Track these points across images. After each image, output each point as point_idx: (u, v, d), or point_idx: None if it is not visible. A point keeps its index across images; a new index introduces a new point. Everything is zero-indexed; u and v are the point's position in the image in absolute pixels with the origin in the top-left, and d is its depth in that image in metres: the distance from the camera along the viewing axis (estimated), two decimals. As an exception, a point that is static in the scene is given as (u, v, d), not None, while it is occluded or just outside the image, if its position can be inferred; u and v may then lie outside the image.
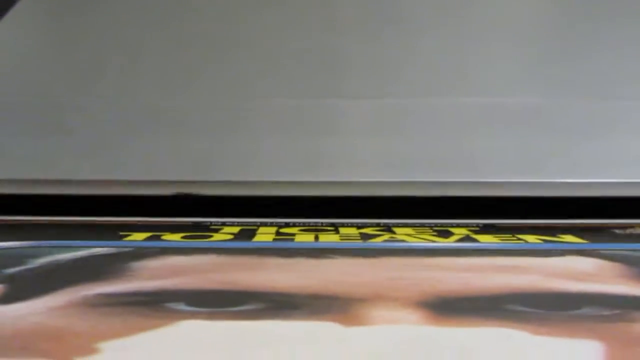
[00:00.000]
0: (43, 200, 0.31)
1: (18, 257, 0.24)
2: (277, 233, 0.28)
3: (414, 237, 0.27)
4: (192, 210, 0.31)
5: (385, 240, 0.27)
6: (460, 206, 0.31)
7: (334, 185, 0.31)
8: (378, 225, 0.30)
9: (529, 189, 0.30)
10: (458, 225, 0.30)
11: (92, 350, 0.17)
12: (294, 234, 0.28)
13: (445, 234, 0.28)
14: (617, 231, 0.29)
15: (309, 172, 0.31)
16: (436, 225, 0.30)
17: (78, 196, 0.31)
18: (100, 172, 0.31)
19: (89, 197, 0.31)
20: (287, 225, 0.30)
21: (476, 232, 0.28)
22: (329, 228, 0.30)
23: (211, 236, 0.28)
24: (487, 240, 0.27)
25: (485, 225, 0.30)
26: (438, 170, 0.31)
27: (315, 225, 0.30)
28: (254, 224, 0.30)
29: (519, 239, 0.27)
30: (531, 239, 0.27)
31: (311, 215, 0.32)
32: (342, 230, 0.29)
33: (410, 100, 0.35)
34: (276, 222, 0.31)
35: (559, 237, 0.27)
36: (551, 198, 0.31)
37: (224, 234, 0.28)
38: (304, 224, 0.31)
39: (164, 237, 0.27)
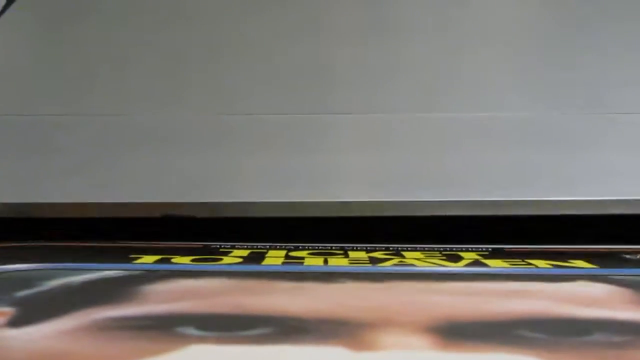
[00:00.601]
0: (24, 224, 0.31)
1: (28, 280, 0.24)
2: (287, 256, 0.28)
3: (423, 261, 0.27)
4: (180, 231, 0.31)
5: (395, 265, 0.27)
6: (456, 226, 0.31)
7: (324, 206, 0.31)
8: (387, 249, 0.30)
9: (528, 208, 0.30)
10: (467, 250, 0.30)
11: (102, 374, 0.17)
12: (303, 258, 0.28)
13: (454, 258, 0.28)
14: (628, 256, 0.29)
15: (296, 191, 0.31)
16: (445, 249, 0.30)
17: (62, 219, 0.31)
18: (83, 195, 0.31)
19: (73, 220, 0.31)
20: (296, 248, 0.30)
21: (485, 257, 0.28)
22: (338, 252, 0.30)
23: (221, 259, 0.28)
24: (496, 265, 0.27)
25: (494, 250, 0.30)
26: (432, 188, 0.31)
27: (325, 249, 0.30)
28: (264, 247, 0.30)
29: (529, 264, 0.27)
30: (541, 264, 0.27)
31: (321, 237, 0.32)
32: (352, 254, 0.29)
33: (401, 115, 0.35)
34: (285, 246, 0.31)
35: (569, 262, 0.27)
36: (552, 217, 0.30)
37: (234, 257, 0.28)
38: (313, 247, 0.31)
39: (173, 260, 0.27)
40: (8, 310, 0.21)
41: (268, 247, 0.31)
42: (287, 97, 0.37)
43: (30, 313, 0.21)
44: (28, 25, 0.45)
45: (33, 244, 0.30)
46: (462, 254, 0.29)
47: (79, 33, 0.43)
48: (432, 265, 0.27)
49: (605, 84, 0.37)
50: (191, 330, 0.20)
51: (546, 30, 0.44)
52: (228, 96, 0.37)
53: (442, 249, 0.30)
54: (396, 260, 0.28)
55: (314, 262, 0.27)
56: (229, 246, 0.31)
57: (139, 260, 0.27)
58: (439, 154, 0.33)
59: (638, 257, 0.29)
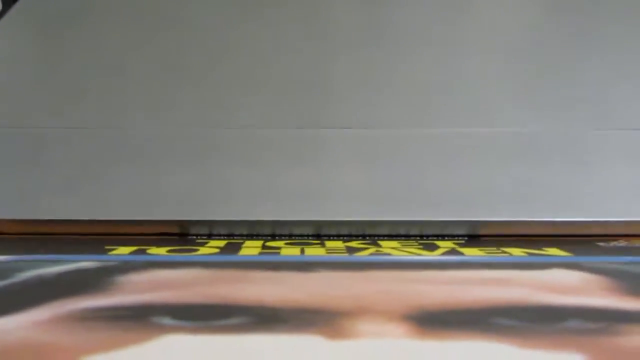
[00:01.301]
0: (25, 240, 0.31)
1: (2, 271, 0.24)
2: (263, 247, 0.28)
3: (400, 250, 0.27)
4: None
5: (372, 254, 0.27)
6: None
7: (321, 224, 0.31)
8: (364, 238, 0.30)
9: (528, 228, 0.30)
10: (443, 239, 0.30)
11: (77, 365, 0.17)
12: (279, 248, 0.28)
13: (431, 247, 0.28)
14: (602, 244, 0.29)
15: (293, 208, 0.31)
16: (422, 238, 0.30)
17: (56, 234, 0.31)
18: (79, 212, 0.31)
19: (71, 235, 0.31)
20: (273, 238, 0.30)
21: (462, 246, 0.28)
22: (314, 242, 0.30)
23: (197, 250, 0.27)
24: (472, 253, 0.27)
25: (470, 238, 0.30)
26: (431, 208, 0.31)
27: (301, 239, 0.30)
28: (240, 237, 0.30)
29: (504, 252, 0.27)
30: (516, 252, 0.27)
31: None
32: (328, 243, 0.29)
33: (400, 131, 0.35)
34: (262, 236, 0.31)
35: (543, 250, 0.27)
36: (551, 236, 0.31)
37: (210, 248, 0.28)
38: (289, 238, 0.31)
39: (149, 251, 0.27)
40: (-19, 302, 0.21)
41: (245, 237, 0.31)
42: (283, 110, 0.37)
43: (3, 304, 0.21)
44: (20, 39, 0.45)
45: (5, 236, 0.30)
46: (438, 242, 0.29)
47: (71, 45, 0.43)
48: (408, 254, 0.27)
49: (610, 99, 0.38)
50: (167, 320, 0.20)
51: (549, 44, 0.44)
52: (223, 109, 0.37)
53: (418, 238, 0.30)
54: (373, 249, 0.28)
55: (291, 252, 0.27)
56: (205, 237, 0.31)
57: (114, 252, 0.27)
58: (438, 170, 0.33)
59: (611, 244, 0.29)
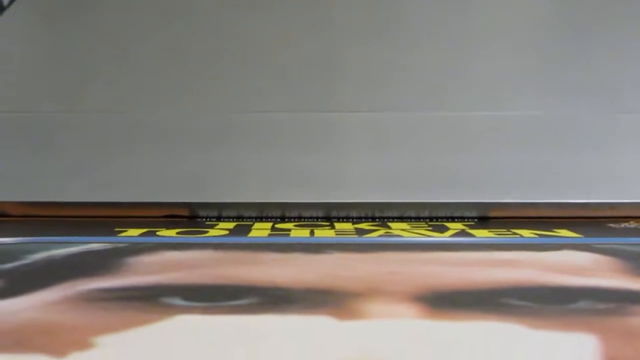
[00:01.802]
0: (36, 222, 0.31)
1: (13, 253, 0.24)
2: (273, 228, 0.28)
3: (410, 232, 0.27)
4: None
5: (381, 235, 0.27)
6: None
7: (332, 207, 0.31)
8: (373, 220, 0.30)
9: (538, 210, 0.30)
10: (453, 220, 0.30)
11: (88, 345, 0.17)
12: (289, 230, 0.28)
13: (440, 228, 0.28)
14: (612, 225, 0.29)
15: (303, 191, 0.31)
16: (431, 220, 0.30)
17: (68, 216, 0.31)
18: (87, 194, 0.31)
19: (80, 217, 0.31)
20: (282, 220, 0.30)
21: (471, 227, 0.28)
22: (324, 223, 0.30)
23: (206, 232, 0.27)
24: (482, 235, 0.27)
25: (480, 220, 0.30)
26: (441, 190, 0.31)
27: (311, 221, 0.30)
28: (250, 219, 0.30)
29: (515, 234, 0.27)
30: (526, 233, 0.27)
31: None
32: (338, 225, 0.29)
33: (410, 114, 0.35)
34: (271, 218, 0.31)
35: (554, 231, 0.27)
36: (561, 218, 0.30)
37: (220, 230, 0.28)
38: (299, 220, 0.31)
39: (159, 233, 0.27)
40: (-7, 283, 0.21)
41: (254, 219, 0.31)
42: (295, 95, 0.37)
43: (14, 285, 0.21)
44: (27, 24, 0.45)
45: (16, 218, 0.30)
46: (447, 224, 0.29)
47: (79, 32, 0.43)
48: (418, 235, 0.27)
49: (621, 83, 0.37)
50: (177, 301, 0.20)
51: (560, 29, 0.44)
52: (233, 95, 0.37)
53: (428, 220, 0.30)
54: (382, 231, 0.28)
55: (300, 234, 0.27)
56: (214, 219, 0.31)
57: (124, 234, 0.27)
58: (448, 153, 0.32)
59: (622, 225, 0.29)
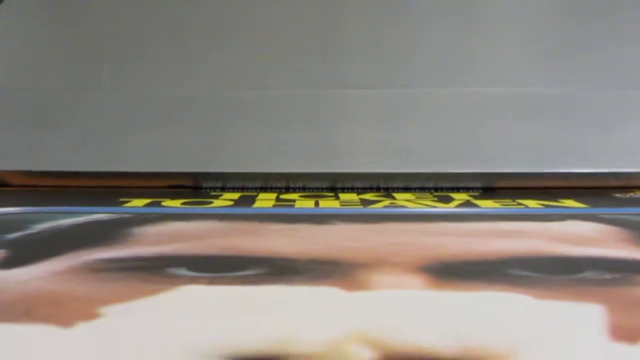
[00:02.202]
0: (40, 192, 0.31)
1: (18, 223, 0.24)
2: (277, 199, 0.28)
3: (415, 202, 0.27)
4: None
5: (386, 206, 0.27)
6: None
7: (336, 177, 0.30)
8: (378, 190, 0.30)
9: (543, 180, 0.30)
10: (458, 190, 0.30)
11: (94, 315, 0.17)
12: (294, 200, 0.28)
13: (445, 199, 0.28)
14: (618, 195, 0.29)
15: (311, 163, 0.31)
16: (436, 189, 0.30)
17: (71, 187, 0.31)
18: (94, 165, 0.31)
19: (83, 187, 0.31)
20: (287, 191, 0.30)
21: (476, 198, 0.28)
22: (328, 194, 0.30)
23: (211, 202, 0.27)
24: (487, 205, 0.27)
25: (485, 190, 0.30)
26: (448, 161, 0.30)
27: (315, 192, 0.30)
28: (254, 189, 0.30)
29: (520, 204, 0.27)
30: (532, 204, 0.27)
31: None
32: (342, 196, 0.29)
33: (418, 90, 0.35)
34: (276, 189, 0.31)
35: (559, 202, 0.27)
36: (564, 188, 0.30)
37: (224, 200, 0.28)
38: (303, 190, 0.30)
39: (164, 204, 0.27)
40: (-2, 253, 0.21)
41: (258, 190, 0.30)
42: (300, 72, 0.37)
43: (20, 255, 0.21)
44: (40, 11, 0.45)
45: (21, 188, 0.30)
46: (452, 194, 0.29)
47: (86, 15, 0.43)
48: (423, 206, 0.27)
49: (623, 64, 0.37)
50: (183, 271, 0.20)
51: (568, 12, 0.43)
52: (243, 72, 0.37)
53: (433, 191, 0.30)
54: (387, 202, 0.28)
55: (305, 205, 0.27)
56: (219, 190, 0.31)
57: (128, 204, 0.27)
58: (455, 127, 0.32)
59: (628, 196, 0.29)
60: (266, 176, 0.30)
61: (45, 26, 0.42)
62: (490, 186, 0.30)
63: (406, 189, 0.30)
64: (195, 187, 0.31)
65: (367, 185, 0.31)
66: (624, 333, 0.16)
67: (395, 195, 0.29)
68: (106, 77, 0.36)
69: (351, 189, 0.30)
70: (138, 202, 0.27)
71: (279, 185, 0.31)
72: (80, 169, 0.30)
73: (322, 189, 0.31)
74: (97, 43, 0.39)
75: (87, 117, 0.33)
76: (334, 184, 0.31)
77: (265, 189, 0.30)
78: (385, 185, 0.31)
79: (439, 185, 0.30)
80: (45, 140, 0.32)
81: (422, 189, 0.30)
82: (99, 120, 0.33)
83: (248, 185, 0.31)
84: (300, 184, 0.31)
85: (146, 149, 0.31)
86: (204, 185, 0.31)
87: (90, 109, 0.34)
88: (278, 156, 0.31)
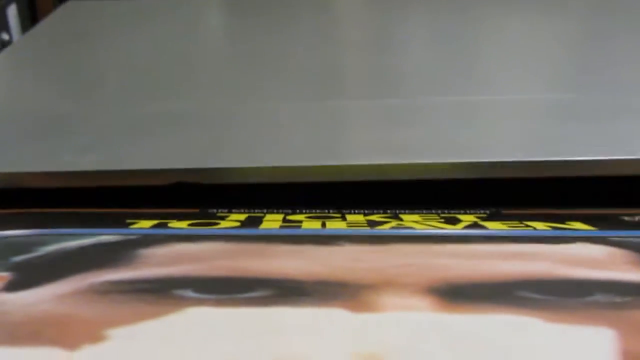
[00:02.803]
0: (46, 193, 0.31)
1: (25, 245, 0.24)
2: (284, 220, 0.28)
3: (422, 224, 0.27)
4: (194, 199, 0.31)
5: (393, 227, 0.27)
6: (470, 191, 0.31)
7: (338, 170, 0.30)
8: (385, 212, 0.30)
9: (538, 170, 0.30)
10: (465, 213, 0.30)
11: (100, 338, 0.17)
12: (300, 221, 0.28)
13: (452, 221, 0.28)
14: (626, 218, 0.29)
15: (312, 157, 0.31)
16: (443, 212, 0.30)
17: (79, 188, 0.31)
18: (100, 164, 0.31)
19: (90, 188, 0.31)
20: (293, 212, 0.30)
21: (484, 219, 0.28)
22: (335, 215, 0.29)
23: (218, 223, 0.27)
24: (495, 227, 0.27)
25: (492, 213, 0.30)
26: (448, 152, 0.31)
27: (322, 213, 0.30)
28: (261, 211, 0.30)
29: (528, 226, 0.27)
30: (540, 226, 0.27)
31: (318, 202, 0.31)
32: (349, 217, 0.29)
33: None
34: (283, 210, 0.31)
35: (567, 224, 0.27)
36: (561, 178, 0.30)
37: (231, 221, 0.28)
38: (310, 212, 0.30)
39: (170, 225, 0.27)
40: (4, 275, 0.21)
41: (265, 211, 0.30)
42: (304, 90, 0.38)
43: (26, 277, 0.21)
44: (54, 43, 0.48)
45: (28, 210, 0.30)
46: (460, 216, 0.29)
47: (92, 48, 0.47)
48: (430, 227, 0.27)
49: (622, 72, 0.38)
50: (189, 293, 0.19)
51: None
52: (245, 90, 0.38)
53: (439, 212, 0.30)
54: (394, 223, 0.27)
55: (312, 226, 0.27)
56: (225, 211, 0.31)
57: (135, 225, 0.27)
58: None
59: (637, 219, 0.28)
60: (271, 170, 0.30)
61: (59, 60, 0.44)
62: (498, 210, 0.30)
63: (413, 210, 0.30)
64: (197, 184, 0.31)
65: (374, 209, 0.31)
66: (635, 357, 0.16)
67: (402, 216, 0.29)
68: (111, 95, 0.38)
69: (358, 211, 0.30)
70: (145, 223, 0.27)
71: (282, 180, 0.31)
72: (88, 169, 0.31)
73: (329, 211, 0.31)
74: (104, 72, 0.41)
75: (95, 127, 0.34)
76: (336, 178, 0.31)
77: (271, 211, 0.30)
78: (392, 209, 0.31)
79: (437, 177, 0.30)
80: (56, 146, 0.32)
81: (429, 210, 0.30)
82: (106, 130, 0.34)
83: (252, 181, 0.31)
84: (304, 179, 0.31)
85: (150, 150, 0.32)
86: (207, 182, 0.31)
87: (97, 120, 0.35)
88: (283, 151, 0.31)
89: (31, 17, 0.64)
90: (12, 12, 0.59)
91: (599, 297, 0.19)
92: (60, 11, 0.56)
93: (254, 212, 0.30)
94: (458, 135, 0.32)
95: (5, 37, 0.58)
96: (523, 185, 0.31)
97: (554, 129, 0.32)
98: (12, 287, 0.20)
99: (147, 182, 0.30)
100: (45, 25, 0.52)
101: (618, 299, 0.19)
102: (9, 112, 0.37)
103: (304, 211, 0.30)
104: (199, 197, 0.32)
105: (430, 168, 0.30)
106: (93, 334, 0.17)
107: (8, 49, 0.47)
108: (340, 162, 0.30)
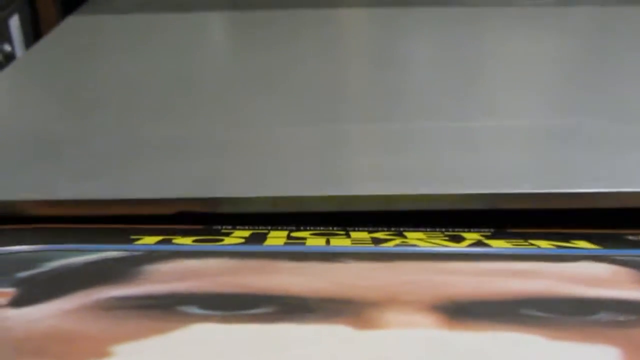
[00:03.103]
0: (45, 221, 0.31)
1: (29, 261, 0.24)
2: (289, 237, 0.28)
3: (426, 241, 0.27)
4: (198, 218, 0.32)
5: (397, 245, 0.27)
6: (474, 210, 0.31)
7: (341, 200, 0.30)
8: (389, 229, 0.30)
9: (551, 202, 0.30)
10: (469, 231, 0.30)
11: (105, 354, 0.17)
12: (305, 238, 0.28)
13: (457, 238, 0.28)
14: (630, 237, 0.29)
15: (316, 187, 0.31)
16: (447, 230, 0.30)
17: (79, 217, 0.31)
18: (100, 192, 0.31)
19: (90, 217, 0.31)
20: (298, 229, 0.30)
21: (488, 238, 0.28)
22: (340, 232, 0.30)
23: (222, 240, 0.27)
24: (499, 245, 0.27)
25: (496, 232, 0.30)
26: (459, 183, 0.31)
27: (326, 230, 0.30)
28: (265, 228, 0.30)
29: (532, 245, 0.27)
30: (544, 244, 0.27)
31: (322, 219, 0.32)
32: (354, 234, 0.29)
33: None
34: (287, 227, 0.31)
35: (572, 242, 0.27)
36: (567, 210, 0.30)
37: (235, 238, 0.28)
38: (314, 229, 0.30)
39: (175, 241, 0.27)
40: (9, 291, 0.21)
41: (269, 228, 0.30)
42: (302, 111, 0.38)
43: (31, 293, 0.21)
44: (52, 64, 0.48)
45: (33, 226, 0.30)
46: (464, 234, 0.29)
47: (92, 69, 0.47)
48: (434, 245, 0.27)
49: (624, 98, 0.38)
50: (194, 310, 0.20)
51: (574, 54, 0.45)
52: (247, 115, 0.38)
53: (444, 230, 0.30)
54: (398, 240, 0.28)
55: (316, 243, 0.27)
56: (230, 227, 0.31)
57: (140, 241, 0.27)
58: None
59: (640, 237, 0.28)
60: (276, 200, 0.30)
61: (59, 77, 0.45)
62: (502, 228, 0.30)
63: (417, 228, 0.30)
64: (203, 213, 0.31)
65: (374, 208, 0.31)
66: (639, 376, 0.16)
67: (407, 234, 0.29)
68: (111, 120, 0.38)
69: (362, 228, 0.30)
70: (149, 240, 0.27)
71: (289, 209, 0.31)
72: (90, 197, 0.30)
73: (334, 227, 0.31)
74: (102, 95, 0.42)
75: (94, 152, 0.34)
76: (342, 208, 0.31)
77: (276, 228, 0.30)
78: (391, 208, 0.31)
79: (444, 207, 0.30)
80: (53, 172, 0.32)
81: (434, 228, 0.30)
82: (102, 156, 0.34)
83: (254, 210, 0.31)
84: (308, 209, 0.31)
85: (151, 178, 0.32)
86: (213, 211, 0.31)
87: (96, 145, 0.35)
88: (286, 180, 0.31)
89: (33, 28, 0.64)
90: (14, 23, 0.59)
91: (602, 316, 0.19)
92: (63, 27, 0.56)
93: (258, 229, 0.30)
94: (463, 163, 0.32)
95: (8, 48, 0.58)
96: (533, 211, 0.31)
97: (559, 157, 0.32)
98: (16, 302, 0.20)
99: (147, 211, 0.30)
100: (46, 41, 0.52)
101: (622, 318, 0.19)
102: (7, 134, 0.37)
103: (308, 228, 0.30)
104: (202, 216, 0.32)
105: (436, 199, 0.30)
106: (98, 350, 0.17)
107: (9, 68, 0.47)
108: (344, 192, 0.30)
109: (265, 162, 0.33)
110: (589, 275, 0.23)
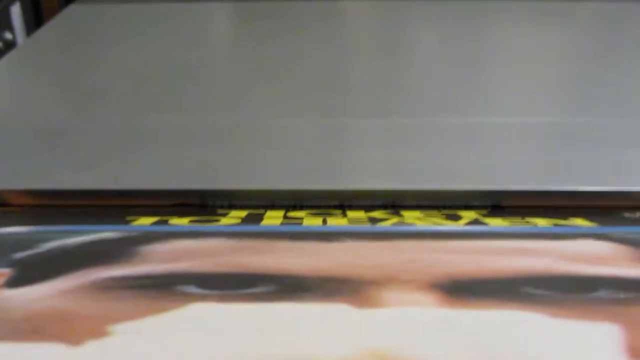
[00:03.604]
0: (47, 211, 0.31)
1: (25, 242, 0.24)
2: (285, 217, 0.28)
3: (423, 220, 0.27)
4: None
5: (394, 224, 0.27)
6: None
7: (343, 194, 0.30)
8: (386, 208, 0.30)
9: (553, 199, 0.30)
10: (466, 208, 0.30)
11: (103, 333, 0.17)
12: (301, 218, 0.28)
13: (454, 217, 0.28)
14: (627, 215, 0.29)
15: (315, 180, 0.31)
16: (444, 207, 0.30)
17: (80, 206, 0.31)
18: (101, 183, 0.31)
19: (91, 207, 0.31)
20: (294, 208, 0.30)
21: (485, 216, 0.28)
22: (336, 212, 0.29)
23: (218, 220, 0.27)
24: (496, 223, 0.27)
25: (493, 208, 0.30)
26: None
27: (323, 209, 0.30)
28: (262, 207, 0.30)
29: (529, 222, 0.27)
30: (541, 222, 0.27)
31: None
32: (350, 213, 0.29)
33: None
34: (283, 206, 0.31)
35: (569, 220, 0.27)
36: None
37: (232, 218, 0.28)
38: (311, 208, 0.30)
39: (171, 222, 0.27)
40: (6, 272, 0.21)
41: (266, 207, 0.30)
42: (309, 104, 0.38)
43: (28, 274, 0.21)
44: (53, 53, 0.48)
45: (29, 207, 0.30)
46: (461, 212, 0.29)
47: (96, 57, 0.46)
48: (432, 224, 0.27)
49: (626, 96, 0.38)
50: (192, 289, 0.19)
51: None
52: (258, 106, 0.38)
53: (441, 207, 0.30)
54: (396, 219, 0.27)
55: (313, 222, 0.27)
56: (226, 207, 0.31)
57: (136, 222, 0.27)
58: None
59: (637, 215, 0.28)
60: (273, 193, 0.30)
61: (59, 65, 0.45)
62: (499, 204, 0.30)
63: (414, 207, 0.30)
64: (201, 205, 0.31)
65: (376, 203, 0.30)
66: (638, 353, 0.16)
67: (404, 213, 0.29)
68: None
69: (359, 207, 0.30)
70: (145, 220, 0.27)
71: (286, 203, 0.30)
72: (85, 187, 0.30)
73: (330, 207, 0.31)
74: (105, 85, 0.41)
75: (95, 141, 0.34)
76: (343, 202, 0.30)
77: (272, 207, 0.30)
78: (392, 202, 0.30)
79: (449, 204, 0.30)
80: (53, 161, 0.32)
81: (431, 207, 0.30)
82: (103, 146, 0.33)
83: (255, 203, 0.31)
84: (308, 203, 0.31)
85: (151, 169, 0.31)
86: (211, 203, 0.31)
87: (97, 134, 0.34)
88: (287, 173, 0.31)
89: (35, 16, 0.64)
90: (15, 11, 0.59)
91: (602, 293, 0.19)
92: (65, 14, 0.55)
93: (254, 209, 0.30)
94: (467, 160, 0.32)
95: (9, 36, 0.57)
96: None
97: (565, 154, 0.32)
98: (13, 283, 0.20)
99: (147, 202, 0.30)
100: (48, 29, 0.52)
101: (621, 295, 0.19)
102: (8, 123, 0.36)
103: (305, 207, 0.30)
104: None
105: (441, 195, 0.30)
106: (96, 330, 0.17)
107: (10, 55, 0.47)
108: (346, 187, 0.30)
109: (264, 154, 0.32)
110: (588, 253, 0.23)
